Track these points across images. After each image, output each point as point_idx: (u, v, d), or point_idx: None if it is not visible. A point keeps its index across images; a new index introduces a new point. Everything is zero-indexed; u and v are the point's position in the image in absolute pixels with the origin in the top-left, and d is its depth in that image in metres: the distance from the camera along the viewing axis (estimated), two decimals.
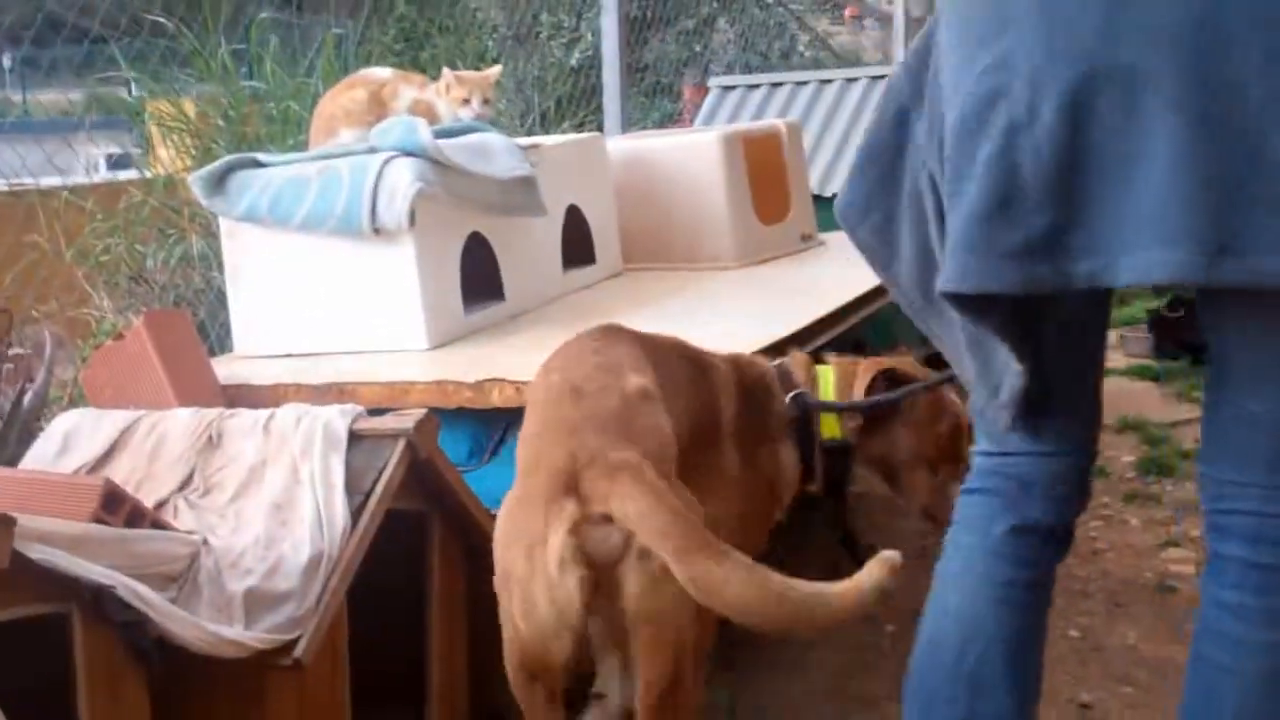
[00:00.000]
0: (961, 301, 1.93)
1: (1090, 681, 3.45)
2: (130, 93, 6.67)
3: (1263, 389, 1.89)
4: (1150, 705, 3.32)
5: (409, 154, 3.51)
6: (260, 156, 3.76)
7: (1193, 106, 1.70)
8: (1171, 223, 1.72)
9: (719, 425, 2.61)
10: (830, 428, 2.82)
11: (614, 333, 2.52)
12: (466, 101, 4.07)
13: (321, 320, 3.59)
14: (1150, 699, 3.35)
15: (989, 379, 2.08)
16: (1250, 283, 1.71)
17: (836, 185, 5.77)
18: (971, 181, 1.87)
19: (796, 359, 2.89)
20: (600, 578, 2.10)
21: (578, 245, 4.35)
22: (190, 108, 5.80)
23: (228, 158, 3.74)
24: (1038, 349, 2.01)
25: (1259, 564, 1.91)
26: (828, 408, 2.82)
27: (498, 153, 3.81)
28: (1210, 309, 1.94)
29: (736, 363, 2.77)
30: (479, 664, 3.03)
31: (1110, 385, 6.58)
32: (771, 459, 2.75)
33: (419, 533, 2.84)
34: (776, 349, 3.31)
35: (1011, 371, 2.00)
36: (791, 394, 2.79)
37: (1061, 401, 2.13)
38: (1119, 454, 5.23)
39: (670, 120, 9.60)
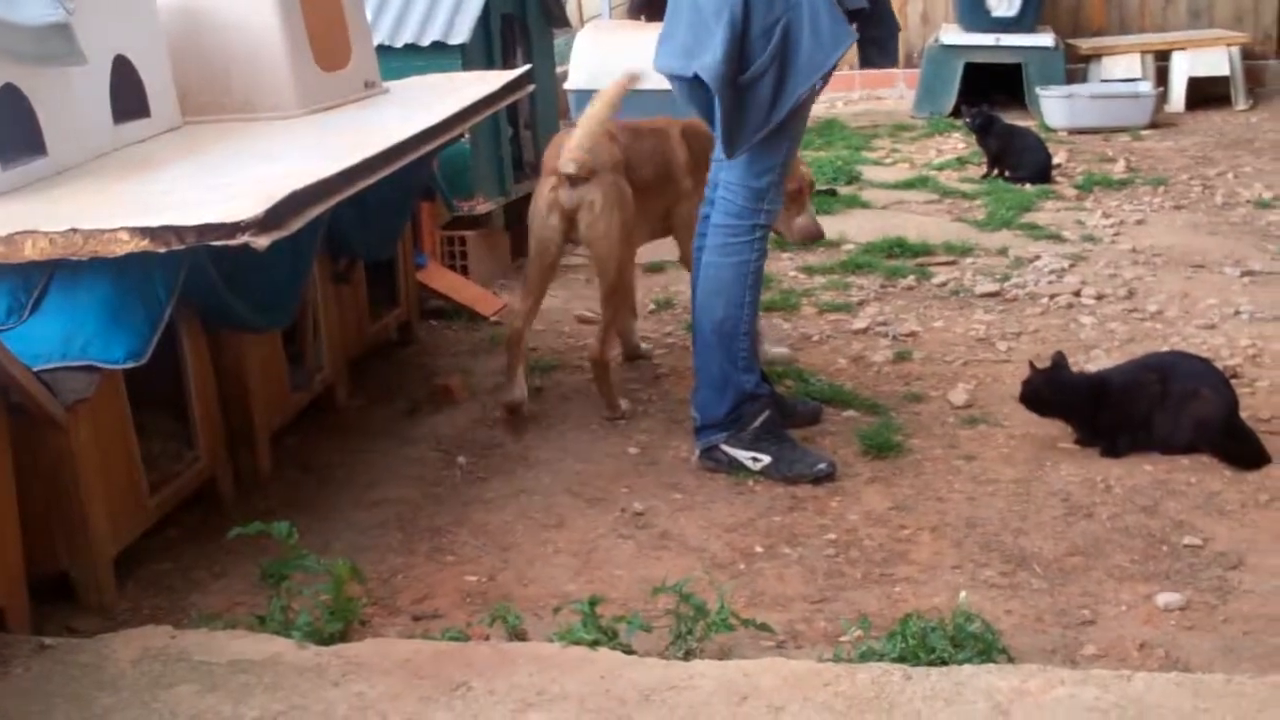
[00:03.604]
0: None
1: (645, 491, 3.70)
2: None
3: None
4: (694, 507, 3.60)
5: None
6: None
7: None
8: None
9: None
10: None
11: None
12: None
13: None
14: (695, 502, 3.64)
15: None
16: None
17: (408, 35, 5.77)
18: None
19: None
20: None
21: (129, 98, 4.18)
22: None
23: None
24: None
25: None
26: None
27: None
28: None
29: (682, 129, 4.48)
30: (36, 527, 2.98)
31: None
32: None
33: None
34: (335, 184, 3.34)
35: None
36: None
37: None
38: (684, 289, 5.51)
39: None
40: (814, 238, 4.63)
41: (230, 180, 3.46)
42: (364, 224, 4.35)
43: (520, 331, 4.32)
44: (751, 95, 3.57)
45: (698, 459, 3.86)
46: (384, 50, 5.51)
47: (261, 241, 2.93)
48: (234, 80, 4.55)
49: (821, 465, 3.74)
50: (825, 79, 3.71)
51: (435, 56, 5.66)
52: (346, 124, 4.40)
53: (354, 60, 4.90)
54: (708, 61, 3.54)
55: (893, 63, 3.82)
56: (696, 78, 3.64)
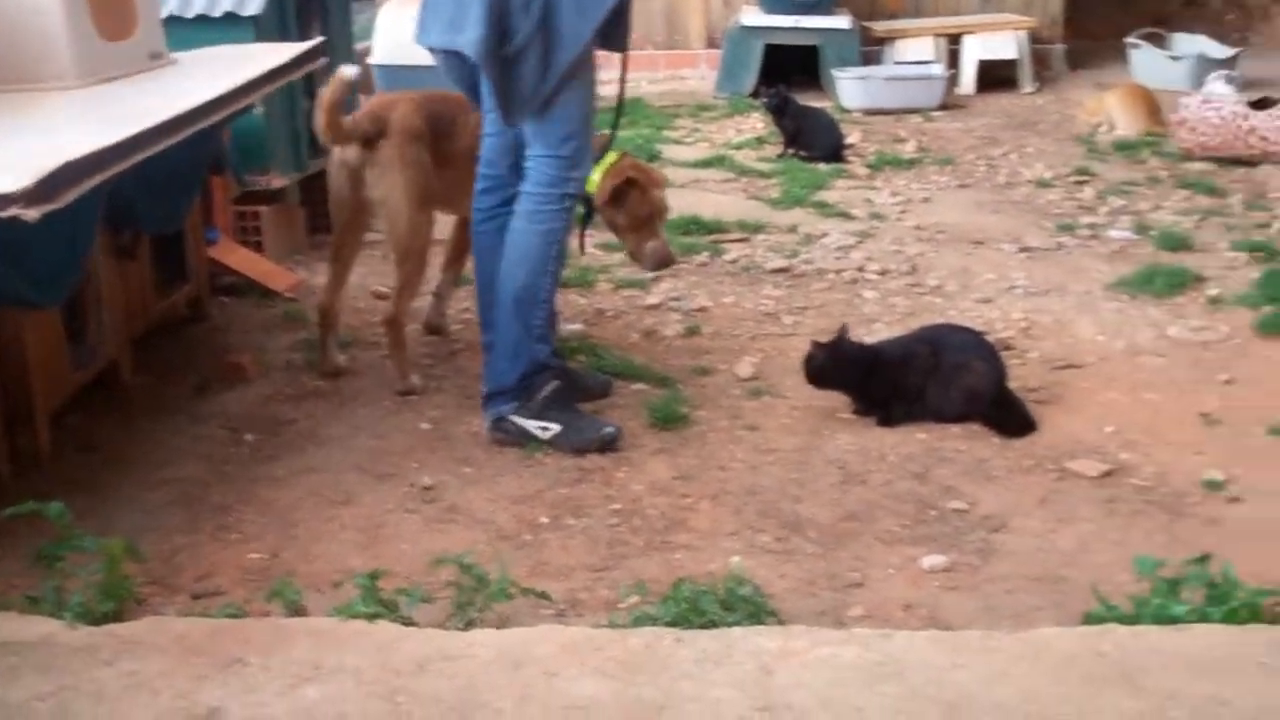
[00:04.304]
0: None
1: (435, 466, 3.73)
2: None
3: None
4: (483, 481, 3.64)
5: None
6: None
7: None
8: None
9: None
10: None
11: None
12: None
13: None
14: (484, 475, 3.68)
15: None
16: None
17: (199, 6, 5.66)
18: None
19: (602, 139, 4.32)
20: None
21: None
22: None
23: None
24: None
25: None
26: None
27: None
28: None
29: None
30: None
31: None
32: None
33: None
34: (113, 156, 3.27)
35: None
36: None
37: None
38: None
39: None
40: (665, 264, 4.61)
41: (2, 152, 3.36)
42: (149, 197, 4.26)
43: (325, 301, 4.47)
44: (519, 67, 3.63)
45: (487, 430, 3.90)
46: (174, 21, 5.40)
47: (31, 214, 2.86)
48: (9, 50, 4.40)
49: (608, 429, 3.82)
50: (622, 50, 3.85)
51: (227, 28, 5.56)
52: (129, 95, 4.31)
53: (139, 30, 4.78)
54: (470, 36, 3.60)
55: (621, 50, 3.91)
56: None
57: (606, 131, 4.26)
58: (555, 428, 3.81)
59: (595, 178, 4.34)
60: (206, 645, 2.52)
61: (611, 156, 4.41)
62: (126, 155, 3.39)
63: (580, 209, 4.29)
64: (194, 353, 4.65)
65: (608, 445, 3.78)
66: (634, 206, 4.39)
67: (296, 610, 2.78)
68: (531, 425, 3.82)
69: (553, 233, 3.82)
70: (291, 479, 3.67)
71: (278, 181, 5.66)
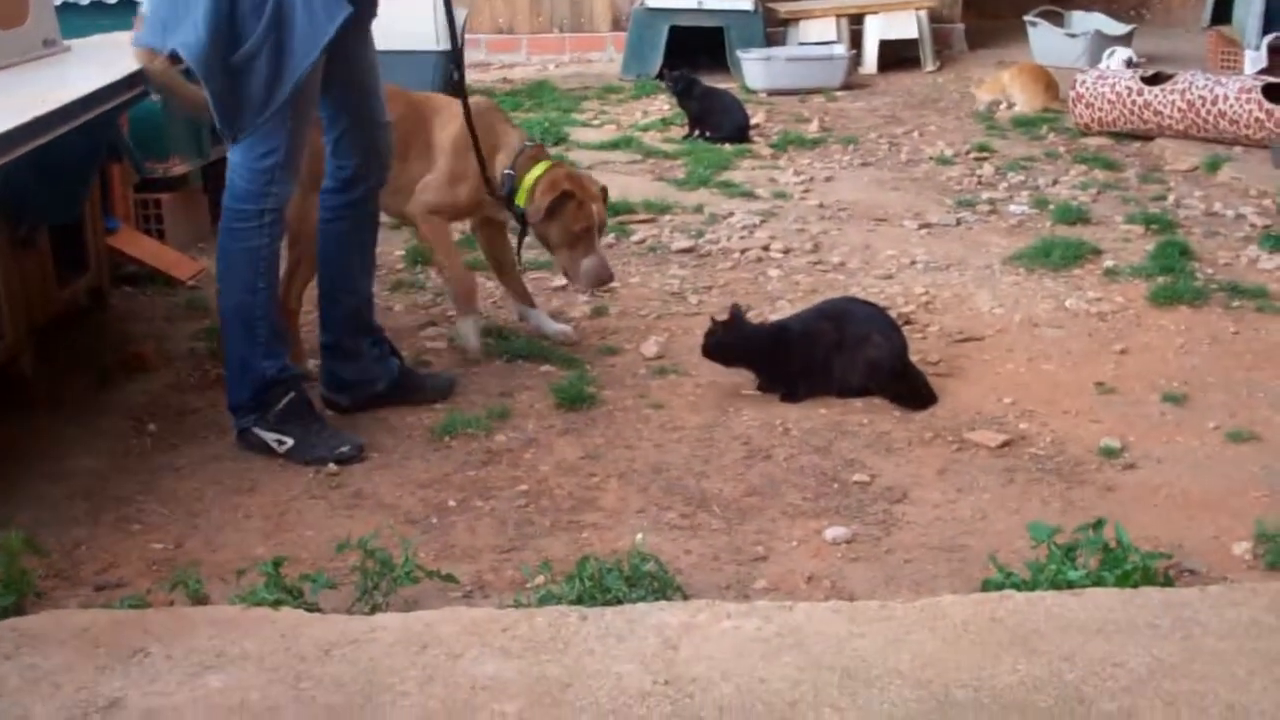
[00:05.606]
0: None
1: None
2: None
3: None
4: (389, 466, 3.64)
5: None
6: None
7: None
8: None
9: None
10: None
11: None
12: None
13: None
14: (390, 460, 3.68)
15: None
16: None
17: None
18: None
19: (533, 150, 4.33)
20: None
21: None
22: None
23: None
24: None
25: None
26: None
27: None
28: None
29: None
30: None
31: None
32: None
33: None
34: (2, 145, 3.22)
35: None
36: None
37: None
38: (390, 249, 5.49)
39: None
40: (603, 282, 4.39)
41: None
42: (44, 185, 4.20)
43: None
44: (247, 75, 3.46)
45: (236, 440, 3.78)
46: (69, 8, 5.35)
47: None
48: None
49: (344, 448, 3.69)
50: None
51: (123, 14, 5.49)
52: (20, 83, 4.24)
53: (31, 17, 4.70)
54: (189, 39, 3.43)
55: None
56: (175, 54, 3.53)
57: (537, 142, 4.20)
58: (290, 441, 3.68)
59: (527, 184, 4.19)
60: (108, 637, 2.50)
61: (540, 167, 4.24)
62: (18, 143, 3.34)
63: (514, 224, 4.27)
64: (96, 343, 4.58)
65: (344, 462, 3.65)
66: (569, 221, 4.21)
67: (199, 599, 2.77)
68: (269, 438, 3.69)
69: (255, 250, 3.65)
70: (195, 468, 3.64)
71: (179, 168, 5.59)
